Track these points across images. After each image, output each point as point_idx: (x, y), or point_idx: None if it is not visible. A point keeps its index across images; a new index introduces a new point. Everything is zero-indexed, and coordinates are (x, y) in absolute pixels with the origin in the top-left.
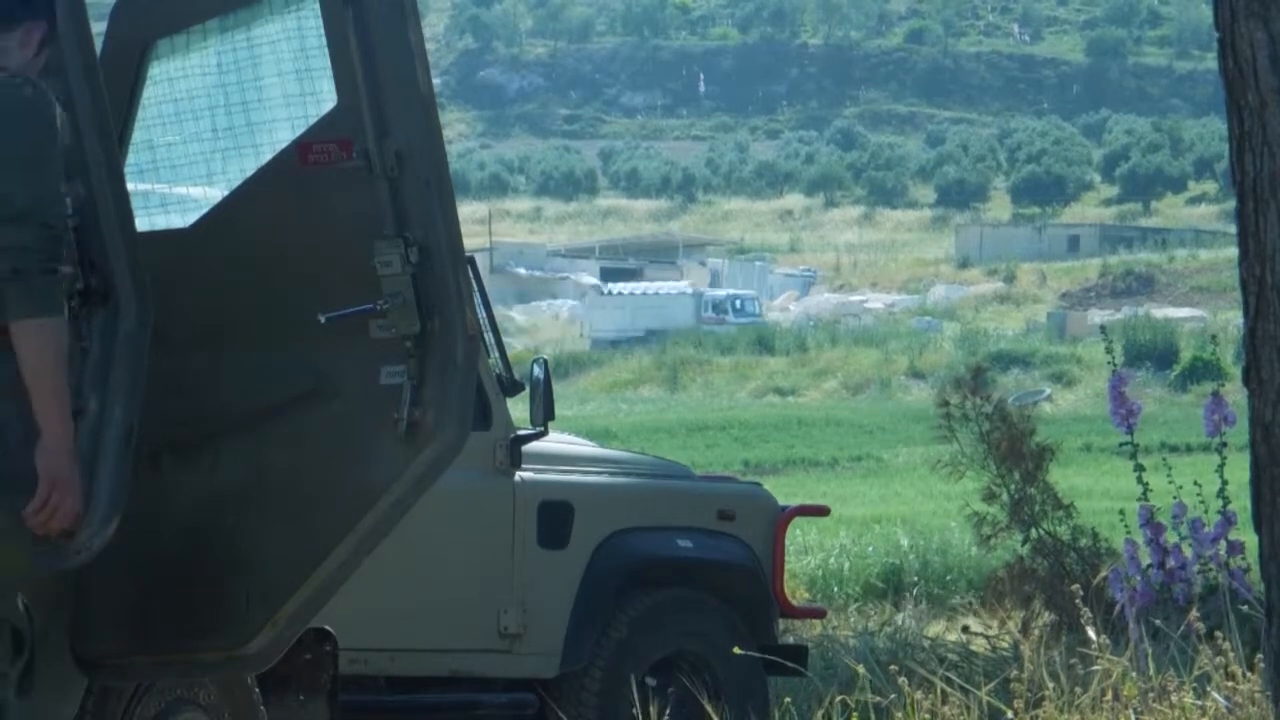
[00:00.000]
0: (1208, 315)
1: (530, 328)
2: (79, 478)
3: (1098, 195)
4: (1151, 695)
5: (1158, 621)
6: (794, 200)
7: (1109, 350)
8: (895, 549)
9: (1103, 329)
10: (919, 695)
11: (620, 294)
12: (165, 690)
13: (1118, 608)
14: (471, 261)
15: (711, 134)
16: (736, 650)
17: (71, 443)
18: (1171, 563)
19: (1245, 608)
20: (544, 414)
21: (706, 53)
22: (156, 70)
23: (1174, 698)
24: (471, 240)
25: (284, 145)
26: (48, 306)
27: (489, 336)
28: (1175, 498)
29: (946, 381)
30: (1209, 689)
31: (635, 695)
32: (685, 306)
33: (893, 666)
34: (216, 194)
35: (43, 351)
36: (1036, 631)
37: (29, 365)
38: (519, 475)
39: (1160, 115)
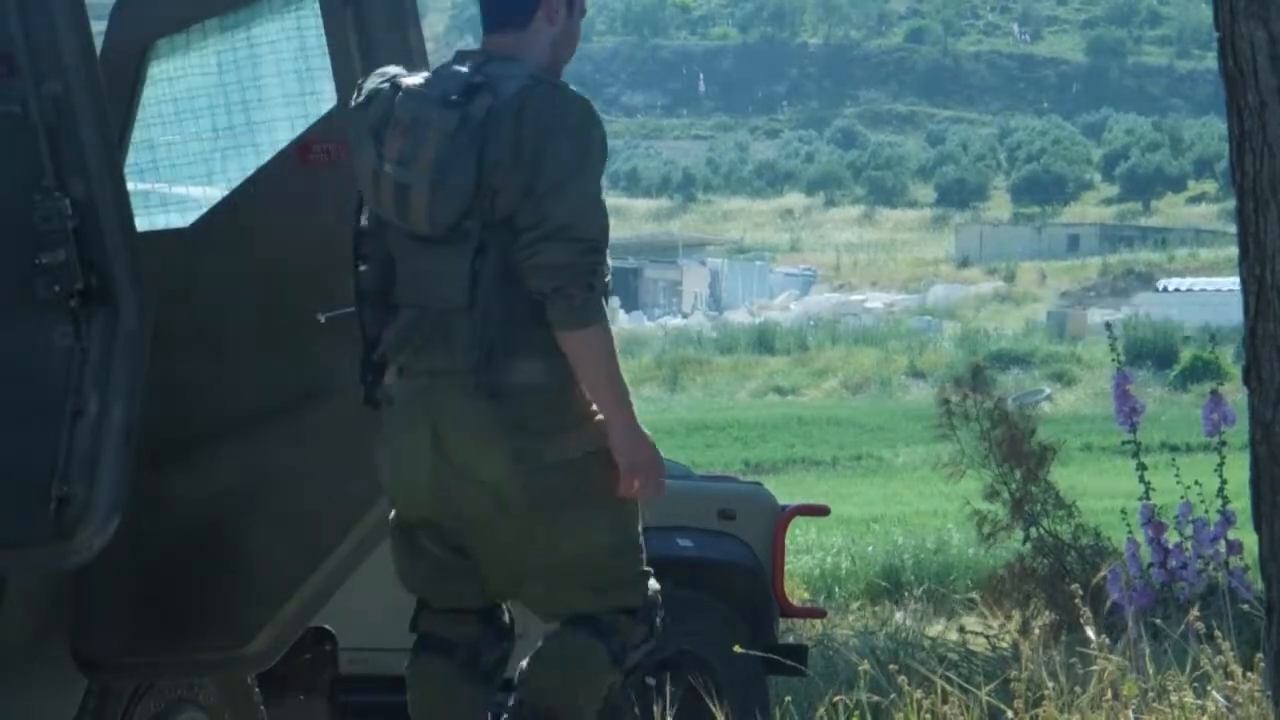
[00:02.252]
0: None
1: None
2: (656, 451)
3: (1098, 195)
4: (1151, 695)
5: (1158, 621)
6: (794, 200)
7: (1113, 348)
8: (895, 548)
9: (1108, 326)
10: (919, 695)
11: (1178, 291)
12: (165, 690)
13: (1108, 604)
14: None
15: (711, 134)
16: (736, 650)
17: (638, 428)
18: (1172, 562)
19: (1245, 607)
20: None
21: (706, 53)
22: (156, 70)
23: (1174, 697)
24: None
25: (284, 145)
26: (591, 316)
27: None
28: (1182, 498)
29: (947, 380)
30: (1209, 689)
31: (635, 695)
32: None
33: (893, 666)
34: (216, 194)
35: (593, 357)
36: (1036, 631)
37: (581, 370)
38: None
39: (1160, 115)
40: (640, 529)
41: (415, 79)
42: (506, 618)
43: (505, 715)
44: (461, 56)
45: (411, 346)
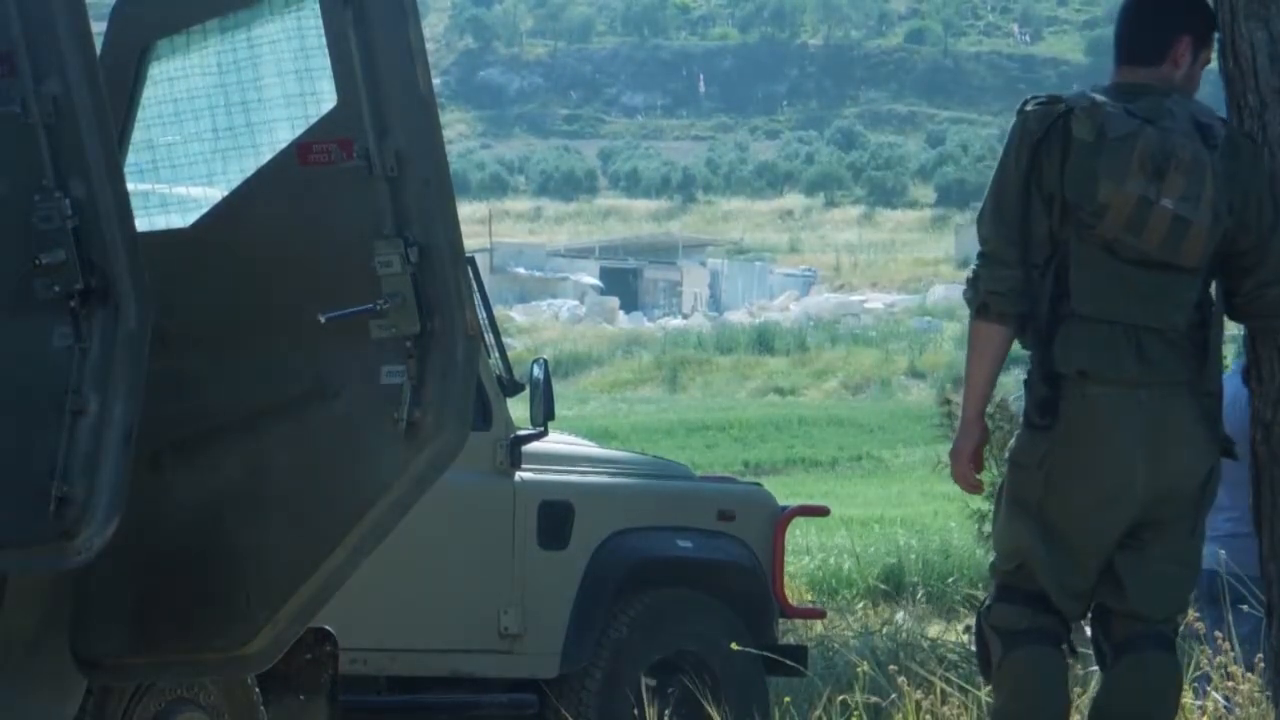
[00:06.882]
0: None
1: (530, 328)
2: None
3: None
4: None
5: None
6: (794, 200)
7: None
8: (896, 549)
9: None
10: (919, 695)
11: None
12: (165, 690)
13: None
14: (471, 261)
15: (711, 134)
16: (735, 648)
17: None
18: None
19: (1245, 608)
20: (544, 414)
21: (706, 53)
22: (156, 70)
23: None
24: (471, 240)
25: (284, 145)
26: None
27: (489, 336)
28: None
29: (948, 380)
30: (1209, 689)
31: (635, 695)
32: None
33: (892, 667)
34: (216, 194)
35: None
36: None
37: None
38: (519, 475)
39: None
40: None
41: (1164, 118)
42: None
43: None
44: (1131, 90)
45: (1123, 359)
